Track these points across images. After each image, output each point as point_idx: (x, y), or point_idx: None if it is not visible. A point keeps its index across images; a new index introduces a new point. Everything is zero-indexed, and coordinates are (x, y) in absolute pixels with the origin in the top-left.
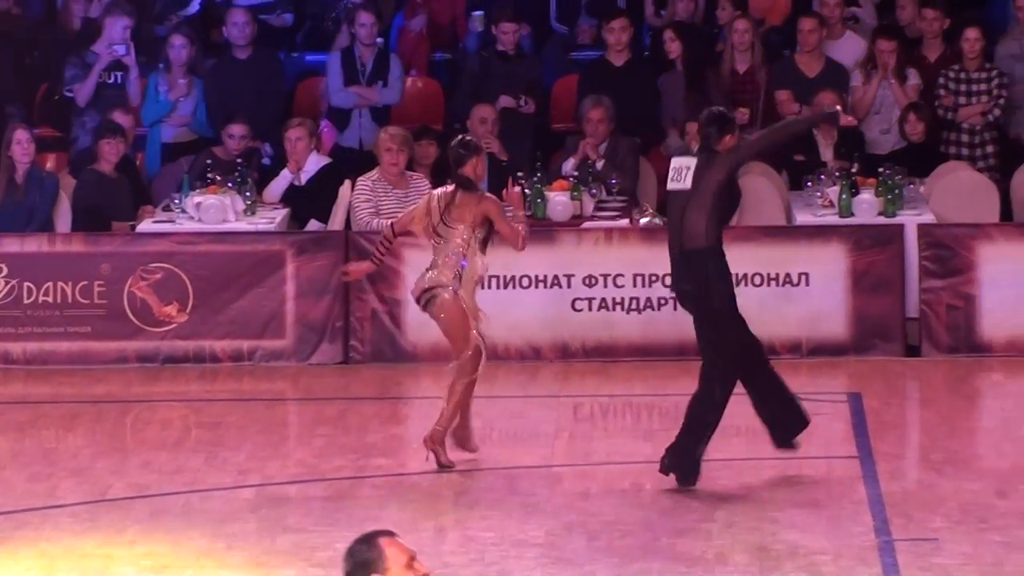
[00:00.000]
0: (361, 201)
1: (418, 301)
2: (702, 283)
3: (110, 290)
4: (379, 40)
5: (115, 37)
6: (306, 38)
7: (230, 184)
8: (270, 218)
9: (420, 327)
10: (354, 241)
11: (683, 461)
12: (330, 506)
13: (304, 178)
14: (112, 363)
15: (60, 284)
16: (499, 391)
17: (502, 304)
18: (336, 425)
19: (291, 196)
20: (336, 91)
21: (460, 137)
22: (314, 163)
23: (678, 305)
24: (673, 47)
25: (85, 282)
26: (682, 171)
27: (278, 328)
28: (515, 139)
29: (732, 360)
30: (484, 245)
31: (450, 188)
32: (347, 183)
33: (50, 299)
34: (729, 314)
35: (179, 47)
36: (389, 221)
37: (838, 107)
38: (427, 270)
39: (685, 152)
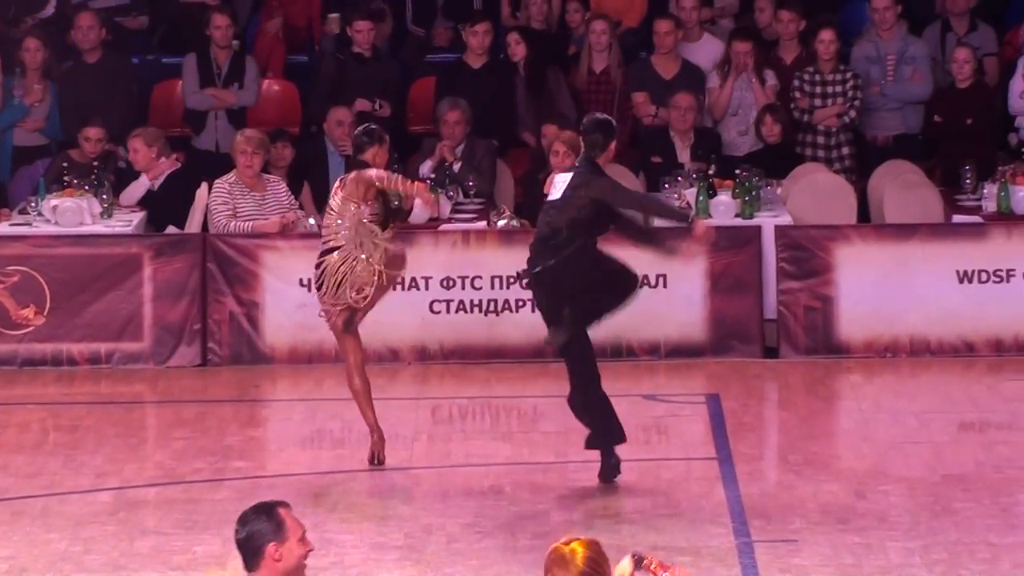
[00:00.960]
0: (218, 204)
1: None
2: (560, 262)
3: None
4: (235, 42)
5: None
6: (162, 40)
7: (87, 187)
8: (127, 221)
9: (277, 329)
10: (211, 244)
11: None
12: (189, 509)
13: (155, 183)
14: None
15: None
16: None
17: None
18: (194, 428)
19: (143, 200)
20: (191, 93)
21: (365, 125)
22: (164, 168)
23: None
24: (518, 50)
25: None
26: (558, 185)
27: (135, 331)
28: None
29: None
30: (384, 223)
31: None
32: (204, 185)
33: None
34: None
35: (34, 50)
36: (237, 224)
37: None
38: (331, 250)
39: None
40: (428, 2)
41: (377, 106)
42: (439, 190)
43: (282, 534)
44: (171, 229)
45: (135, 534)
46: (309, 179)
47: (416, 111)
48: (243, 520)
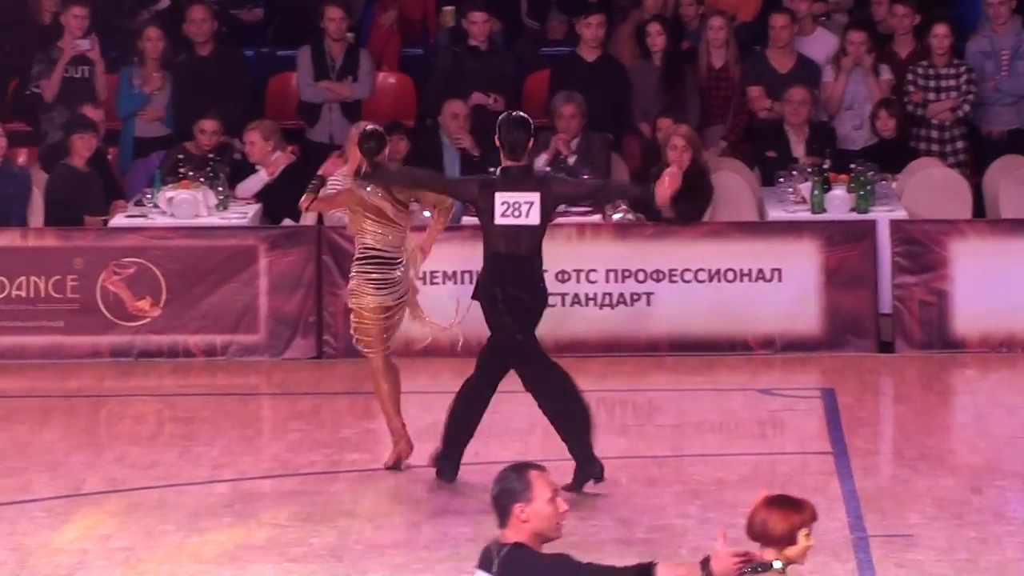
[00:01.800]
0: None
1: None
2: (537, 289)
3: (83, 284)
4: (349, 35)
5: (76, 30)
6: (277, 33)
7: (202, 179)
8: (242, 213)
9: None
10: (327, 236)
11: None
12: (304, 500)
13: (272, 176)
14: (85, 357)
15: (33, 278)
16: None
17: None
18: (310, 420)
19: (264, 195)
20: (306, 86)
21: (372, 128)
22: (280, 161)
23: (651, 300)
24: (658, 41)
25: (58, 276)
26: (520, 206)
27: (251, 323)
28: (487, 134)
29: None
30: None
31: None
32: None
33: (23, 293)
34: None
35: (155, 40)
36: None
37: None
38: (394, 265)
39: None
40: None
41: (492, 101)
42: None
43: (528, 495)
44: (286, 222)
45: (251, 526)
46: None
47: (530, 104)
48: (498, 478)
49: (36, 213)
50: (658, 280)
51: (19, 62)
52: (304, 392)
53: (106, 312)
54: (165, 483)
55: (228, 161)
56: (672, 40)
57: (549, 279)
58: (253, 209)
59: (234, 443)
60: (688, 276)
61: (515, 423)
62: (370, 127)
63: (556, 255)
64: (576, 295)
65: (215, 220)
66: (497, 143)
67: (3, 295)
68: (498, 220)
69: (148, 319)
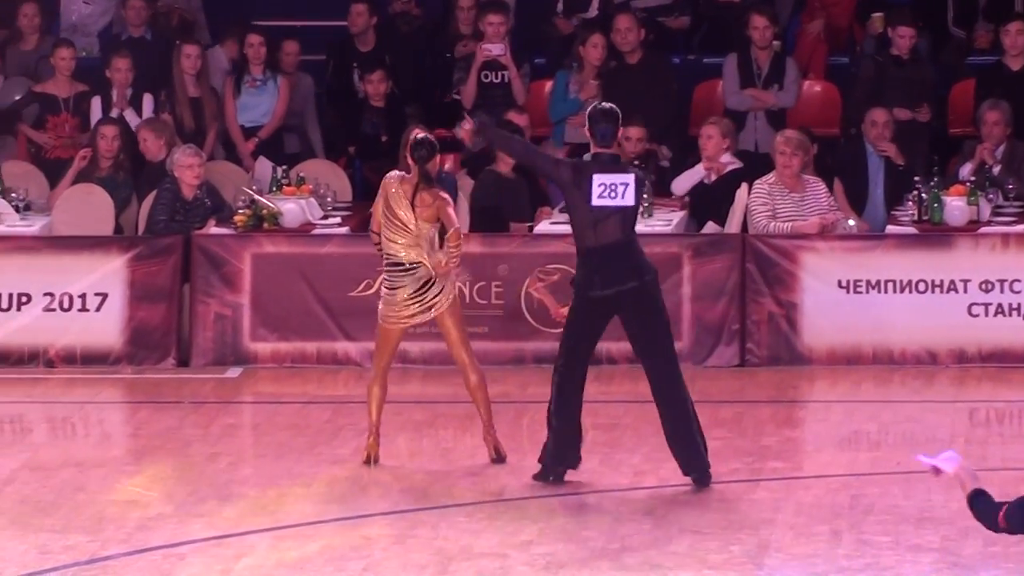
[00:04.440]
0: (757, 204)
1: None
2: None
3: (507, 291)
4: (776, 43)
5: (493, 37)
6: (703, 40)
7: None
8: (667, 220)
9: (816, 330)
10: (751, 244)
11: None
12: (725, 508)
13: (713, 177)
14: (509, 363)
15: (458, 284)
16: (895, 395)
17: (898, 308)
18: (732, 427)
19: (696, 193)
20: (731, 93)
21: (423, 136)
22: (726, 164)
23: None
24: None
25: (483, 282)
26: (616, 187)
27: (675, 330)
28: (912, 143)
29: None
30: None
31: (408, 178)
32: (744, 186)
33: None
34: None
35: (600, 47)
36: (776, 224)
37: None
38: (410, 268)
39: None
40: (970, 4)
41: (917, 115)
42: (979, 192)
43: None
44: (710, 226)
45: (672, 532)
46: (844, 179)
47: (956, 113)
48: None
49: (461, 218)
50: None
51: (445, 69)
52: (726, 400)
53: (530, 318)
54: (587, 490)
55: (653, 168)
56: None
57: (973, 289)
58: (677, 216)
59: (656, 450)
60: None
61: (938, 432)
62: (421, 135)
63: (980, 265)
64: (1000, 305)
65: (639, 228)
66: (587, 133)
67: None
68: (594, 201)
69: None
